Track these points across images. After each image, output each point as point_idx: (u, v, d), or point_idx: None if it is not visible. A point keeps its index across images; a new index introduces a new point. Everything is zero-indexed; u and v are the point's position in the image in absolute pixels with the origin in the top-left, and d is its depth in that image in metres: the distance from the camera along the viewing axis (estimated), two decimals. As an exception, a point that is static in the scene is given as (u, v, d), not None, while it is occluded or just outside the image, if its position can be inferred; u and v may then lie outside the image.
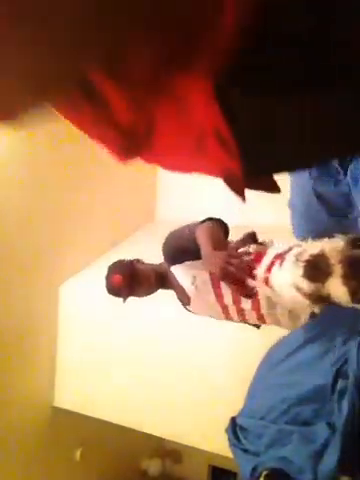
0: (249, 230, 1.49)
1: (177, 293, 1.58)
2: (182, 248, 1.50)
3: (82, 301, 2.87)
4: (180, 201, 3.56)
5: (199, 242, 1.39)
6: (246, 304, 1.40)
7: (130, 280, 1.49)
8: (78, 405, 2.91)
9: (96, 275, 2.91)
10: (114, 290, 1.53)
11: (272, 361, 1.34)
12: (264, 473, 1.08)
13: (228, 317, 1.51)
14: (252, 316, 1.44)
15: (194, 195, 3.50)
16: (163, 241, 1.57)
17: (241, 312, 1.45)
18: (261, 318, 1.44)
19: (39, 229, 2.60)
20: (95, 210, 3.00)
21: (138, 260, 1.57)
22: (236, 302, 1.42)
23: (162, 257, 1.59)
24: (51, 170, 2.63)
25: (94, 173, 2.98)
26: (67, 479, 3.21)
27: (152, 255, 1.59)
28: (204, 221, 1.48)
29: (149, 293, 1.57)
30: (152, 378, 2.67)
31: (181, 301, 1.59)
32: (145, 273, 1.53)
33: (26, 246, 2.53)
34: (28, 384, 2.75)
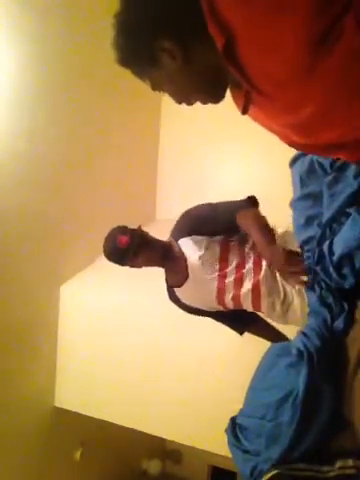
0: None
1: (172, 272, 1.57)
2: (209, 221, 1.53)
3: (82, 301, 2.87)
4: (180, 201, 3.54)
5: (250, 231, 1.47)
6: (247, 284, 1.45)
7: (138, 243, 1.47)
8: (78, 405, 2.91)
9: (96, 275, 2.92)
10: (119, 252, 1.49)
11: (271, 360, 1.34)
12: (268, 475, 1.08)
13: (220, 299, 1.51)
14: (248, 297, 1.47)
15: (194, 195, 3.49)
16: (185, 210, 1.59)
17: (237, 296, 1.48)
18: (257, 298, 1.46)
19: (40, 229, 2.60)
20: (95, 210, 3.00)
21: (143, 229, 1.55)
22: (237, 281, 1.46)
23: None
24: (52, 170, 2.63)
25: (94, 173, 2.98)
26: (67, 479, 3.21)
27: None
28: (243, 202, 1.54)
29: (149, 264, 1.55)
30: (152, 378, 2.67)
31: (170, 284, 1.59)
32: (152, 240, 1.53)
33: (27, 246, 2.53)
34: (28, 384, 2.75)
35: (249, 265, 1.47)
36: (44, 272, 2.72)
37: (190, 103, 0.89)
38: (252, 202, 1.56)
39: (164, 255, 1.54)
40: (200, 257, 1.49)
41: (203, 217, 1.57)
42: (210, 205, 1.58)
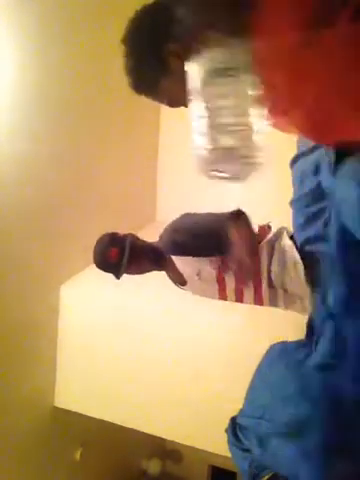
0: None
1: (172, 275, 1.50)
2: (199, 244, 1.38)
3: (82, 301, 2.87)
4: (180, 201, 3.55)
5: (234, 248, 1.32)
6: (248, 293, 1.39)
7: (129, 255, 1.37)
8: (78, 405, 2.91)
9: (96, 275, 2.92)
10: (109, 265, 1.42)
11: (271, 360, 1.34)
12: (267, 475, 1.09)
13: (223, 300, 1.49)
14: (251, 303, 1.44)
15: (194, 195, 3.50)
16: (173, 227, 1.47)
17: (240, 302, 1.46)
18: (260, 304, 1.44)
19: (39, 229, 2.60)
20: (95, 210, 3.00)
21: (133, 235, 1.45)
22: (238, 290, 1.41)
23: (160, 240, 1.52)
24: (52, 170, 2.63)
25: (94, 173, 2.98)
26: (67, 479, 3.21)
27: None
28: (234, 215, 1.40)
29: (144, 271, 1.48)
30: (152, 378, 2.67)
31: (174, 281, 1.52)
32: (144, 249, 1.44)
33: (26, 246, 2.52)
34: (28, 384, 2.74)
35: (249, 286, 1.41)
36: (44, 272, 2.71)
37: None
38: (238, 216, 1.42)
39: (156, 259, 1.45)
40: (197, 274, 1.41)
41: (196, 244, 1.41)
42: (192, 220, 1.47)
